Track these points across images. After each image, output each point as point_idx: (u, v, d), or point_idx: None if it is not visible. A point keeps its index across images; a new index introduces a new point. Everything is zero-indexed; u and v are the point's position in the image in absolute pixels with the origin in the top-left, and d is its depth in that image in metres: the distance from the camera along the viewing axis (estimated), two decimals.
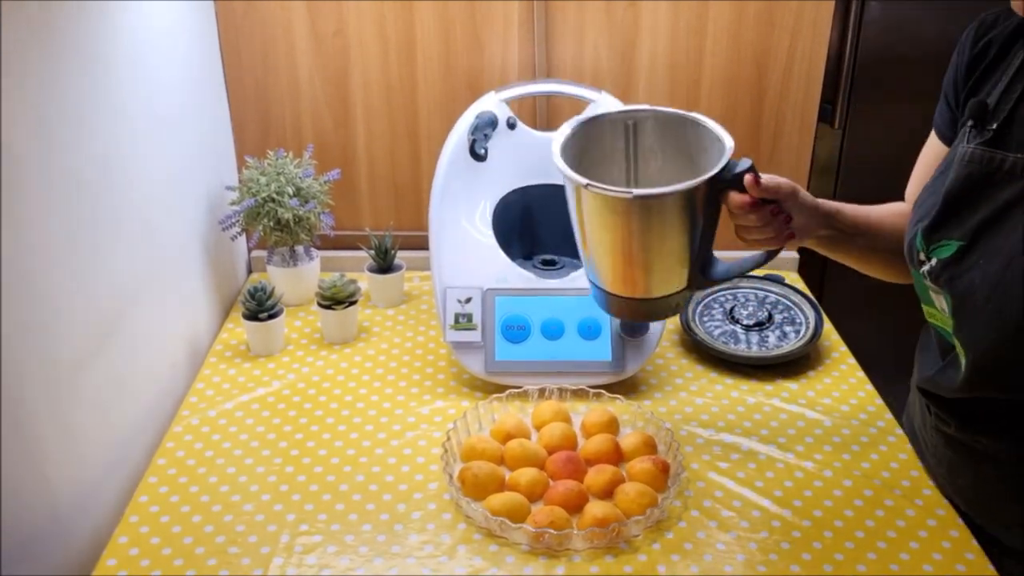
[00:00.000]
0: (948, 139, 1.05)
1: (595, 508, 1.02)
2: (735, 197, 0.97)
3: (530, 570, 0.98)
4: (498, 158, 1.35)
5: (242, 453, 1.15)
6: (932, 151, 1.09)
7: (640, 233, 0.97)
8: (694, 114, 1.02)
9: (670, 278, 1.02)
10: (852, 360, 1.37)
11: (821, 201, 1.06)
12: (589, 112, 1.01)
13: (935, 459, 1.12)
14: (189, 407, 1.24)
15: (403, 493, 1.09)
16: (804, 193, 1.03)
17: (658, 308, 1.05)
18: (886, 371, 1.40)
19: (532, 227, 1.40)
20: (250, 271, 1.64)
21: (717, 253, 1.04)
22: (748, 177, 0.96)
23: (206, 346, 1.40)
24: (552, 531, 0.98)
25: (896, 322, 1.77)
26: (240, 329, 1.41)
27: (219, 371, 1.33)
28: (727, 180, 0.97)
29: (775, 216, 1.00)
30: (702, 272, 1.03)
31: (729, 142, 0.98)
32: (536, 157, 1.37)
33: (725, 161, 0.96)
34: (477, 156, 1.32)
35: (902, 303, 1.69)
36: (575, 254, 1.38)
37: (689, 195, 0.94)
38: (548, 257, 1.38)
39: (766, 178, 0.98)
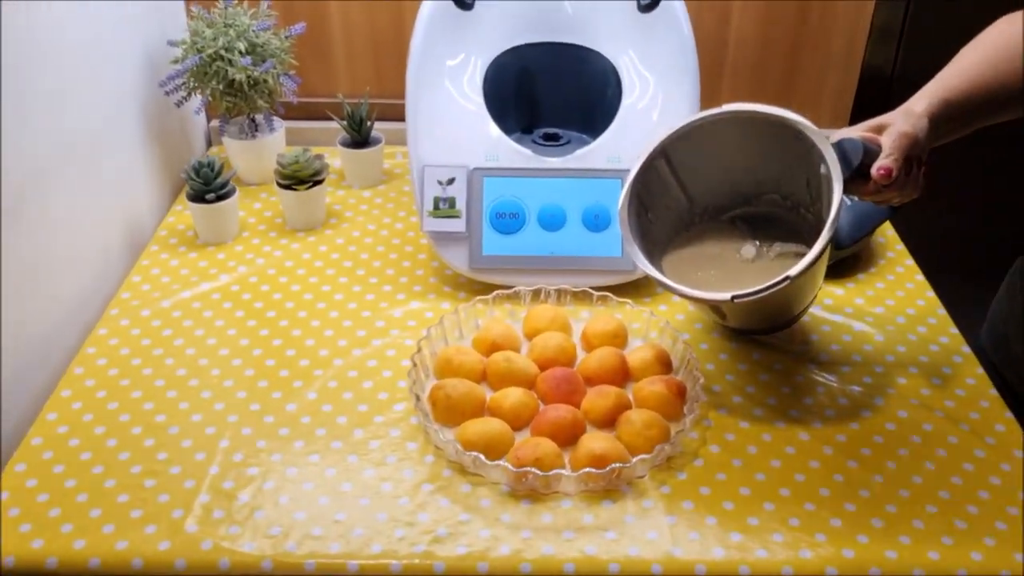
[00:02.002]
0: None
1: (592, 441, 0.83)
2: (870, 189, 0.85)
3: (508, 517, 0.80)
4: (491, 10, 1.11)
5: (174, 363, 0.97)
6: None
7: (794, 292, 0.89)
8: (725, 108, 0.91)
9: (815, 291, 0.98)
10: (910, 261, 1.15)
11: (928, 107, 0.86)
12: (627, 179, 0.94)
13: None
14: (119, 305, 1.05)
15: (362, 415, 0.90)
16: (916, 121, 0.84)
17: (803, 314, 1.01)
18: (949, 272, 1.18)
19: (531, 94, 1.17)
20: (209, 144, 1.42)
21: None
22: (879, 173, 0.83)
23: (149, 233, 1.20)
24: (537, 472, 0.80)
25: (961, 212, 1.54)
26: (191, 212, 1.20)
27: (160, 262, 1.13)
28: (851, 179, 0.85)
29: (909, 175, 0.84)
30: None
31: (823, 144, 0.85)
32: (537, 10, 1.12)
33: (838, 169, 0.83)
34: (462, 3, 1.08)
35: (970, 184, 1.46)
36: (581, 127, 1.16)
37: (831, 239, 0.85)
38: (549, 131, 1.15)
39: (887, 146, 0.83)
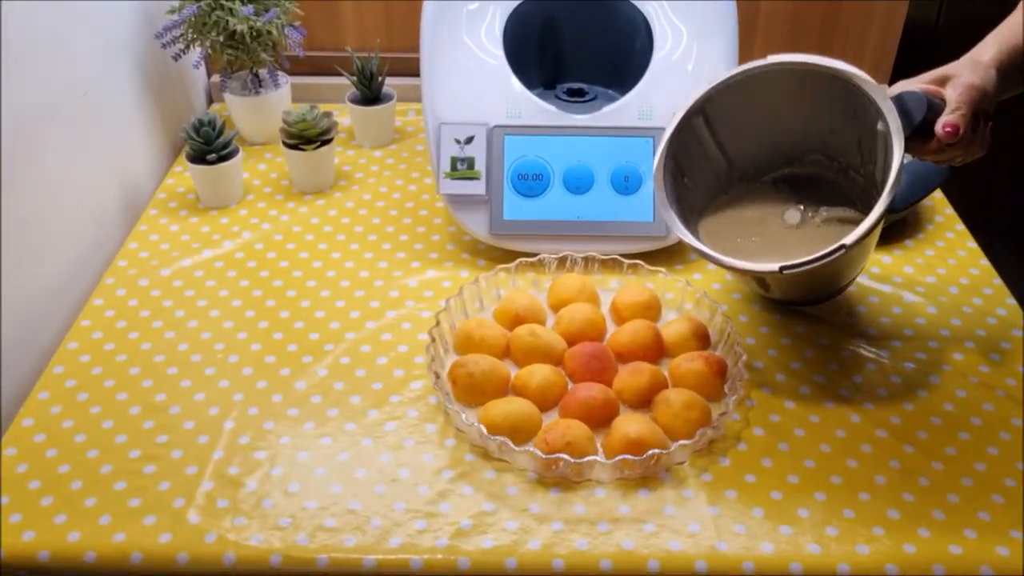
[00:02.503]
0: None
1: (627, 424, 0.77)
2: (932, 148, 0.78)
3: (537, 508, 0.73)
4: None
5: (175, 336, 0.90)
6: None
7: (846, 262, 0.80)
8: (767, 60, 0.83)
9: (866, 260, 0.92)
10: (960, 226, 1.07)
11: (997, 55, 0.79)
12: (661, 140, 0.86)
13: None
14: (115, 273, 0.98)
15: (376, 394, 0.84)
16: (984, 72, 0.77)
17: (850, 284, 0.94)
18: (1001, 237, 1.10)
19: (555, 46, 1.09)
20: (211, 100, 1.34)
21: None
22: (945, 131, 0.75)
23: (147, 195, 1.12)
24: (568, 458, 0.73)
25: (1011, 171, 1.45)
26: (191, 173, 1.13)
27: (159, 227, 1.06)
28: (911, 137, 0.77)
29: (976, 131, 0.76)
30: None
31: (882, 99, 0.77)
32: None
33: (898, 126, 0.76)
34: None
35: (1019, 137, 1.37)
36: (608, 81, 1.08)
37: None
38: (575, 85, 1.07)
39: (953, 100, 0.75)
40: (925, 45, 1.39)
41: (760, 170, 0.92)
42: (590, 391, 0.80)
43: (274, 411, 0.82)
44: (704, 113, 0.86)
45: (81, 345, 0.89)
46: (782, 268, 0.76)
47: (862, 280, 0.97)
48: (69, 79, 0.96)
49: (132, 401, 0.83)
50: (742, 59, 1.01)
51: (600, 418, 0.79)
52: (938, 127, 0.75)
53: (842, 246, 0.75)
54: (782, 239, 0.87)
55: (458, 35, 1.01)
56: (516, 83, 1.00)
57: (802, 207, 0.89)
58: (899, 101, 0.77)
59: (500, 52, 1.01)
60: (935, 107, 0.76)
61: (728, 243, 0.87)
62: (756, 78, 0.84)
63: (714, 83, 0.85)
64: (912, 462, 0.77)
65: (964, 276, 0.99)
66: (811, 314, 0.93)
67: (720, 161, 0.91)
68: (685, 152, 0.87)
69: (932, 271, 0.99)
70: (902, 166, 0.75)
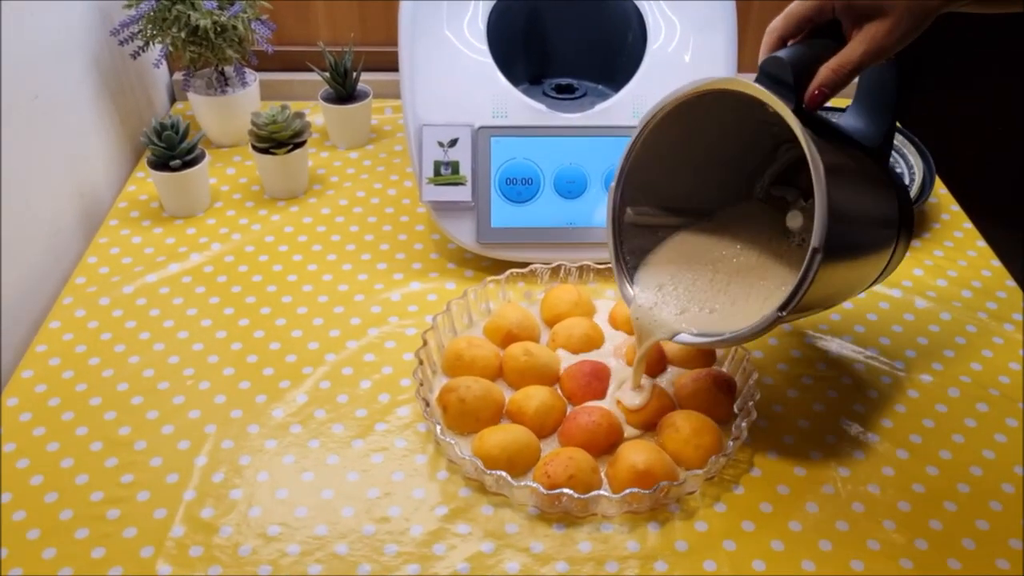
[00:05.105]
0: None
1: (634, 453, 0.71)
2: (820, 98, 0.65)
3: (539, 547, 0.68)
4: None
5: (140, 361, 0.83)
6: None
7: (847, 266, 0.71)
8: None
9: (878, 252, 0.75)
10: (968, 224, 1.02)
11: None
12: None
13: None
14: (73, 291, 0.91)
15: (360, 423, 0.78)
16: None
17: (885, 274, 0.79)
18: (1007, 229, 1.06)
19: (541, 39, 1.02)
20: (174, 100, 1.26)
21: None
22: (810, 97, 0.65)
23: (106, 205, 1.05)
24: (572, 493, 0.68)
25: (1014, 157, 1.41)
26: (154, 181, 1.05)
27: (120, 239, 0.98)
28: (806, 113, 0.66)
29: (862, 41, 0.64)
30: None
31: (750, 88, 0.66)
32: None
33: (780, 105, 0.64)
34: None
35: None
36: (598, 77, 1.03)
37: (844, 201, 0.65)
38: (563, 81, 1.01)
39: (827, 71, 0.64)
40: (925, 33, 1.33)
41: (735, 193, 0.84)
42: (591, 416, 0.74)
43: (250, 444, 0.76)
44: (630, 206, 0.77)
45: (36, 373, 0.82)
46: (779, 309, 0.65)
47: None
48: (17, 81, 0.88)
49: (93, 436, 0.76)
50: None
51: (603, 445, 0.74)
52: (807, 97, 0.65)
53: (815, 251, 0.63)
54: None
55: (439, 30, 0.94)
56: (502, 80, 0.93)
57: (804, 203, 0.81)
58: (764, 75, 0.66)
59: (484, 47, 0.94)
60: (807, 56, 0.65)
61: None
62: (648, 145, 0.75)
63: (614, 181, 0.76)
64: (937, 485, 0.72)
65: (976, 279, 0.94)
66: (820, 324, 0.88)
67: (679, 220, 0.81)
68: (640, 244, 0.79)
69: (942, 273, 0.95)
70: (810, 138, 0.63)
